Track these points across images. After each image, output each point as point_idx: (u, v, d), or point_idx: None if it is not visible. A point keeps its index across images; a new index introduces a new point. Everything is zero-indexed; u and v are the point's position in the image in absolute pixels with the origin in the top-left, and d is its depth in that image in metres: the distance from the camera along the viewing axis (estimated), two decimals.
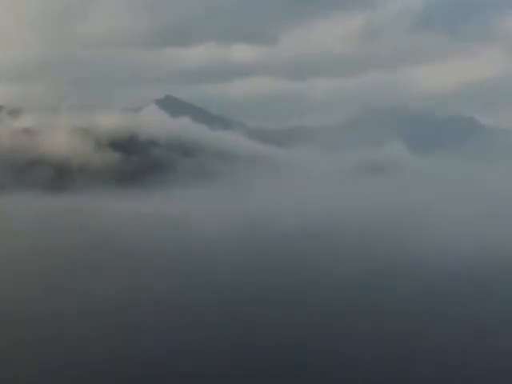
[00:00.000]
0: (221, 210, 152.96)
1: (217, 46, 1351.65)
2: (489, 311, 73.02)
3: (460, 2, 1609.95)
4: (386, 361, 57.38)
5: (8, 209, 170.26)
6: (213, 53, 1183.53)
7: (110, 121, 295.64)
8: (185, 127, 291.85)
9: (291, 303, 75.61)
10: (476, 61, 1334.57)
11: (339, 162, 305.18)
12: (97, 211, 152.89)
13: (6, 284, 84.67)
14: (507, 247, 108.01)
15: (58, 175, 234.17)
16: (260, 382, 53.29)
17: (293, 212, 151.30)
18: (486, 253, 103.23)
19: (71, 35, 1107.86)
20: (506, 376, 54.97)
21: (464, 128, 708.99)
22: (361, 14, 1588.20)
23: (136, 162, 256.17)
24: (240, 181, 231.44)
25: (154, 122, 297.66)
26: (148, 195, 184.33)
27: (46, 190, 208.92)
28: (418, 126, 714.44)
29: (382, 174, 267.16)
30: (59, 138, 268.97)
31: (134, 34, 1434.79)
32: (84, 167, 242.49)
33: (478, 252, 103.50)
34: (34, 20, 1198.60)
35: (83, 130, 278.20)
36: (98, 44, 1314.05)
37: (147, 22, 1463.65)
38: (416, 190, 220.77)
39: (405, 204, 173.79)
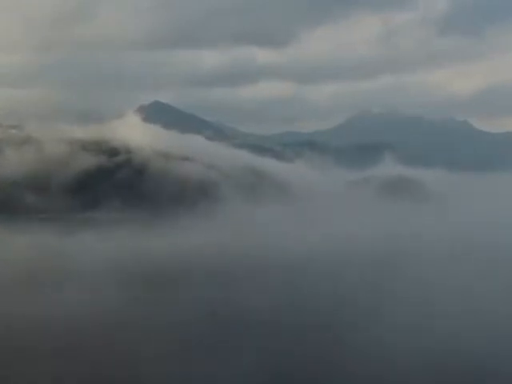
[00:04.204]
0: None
1: (229, 49, 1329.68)
2: None
3: (484, 5, 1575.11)
4: None
5: None
6: (224, 55, 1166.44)
7: (78, 130, 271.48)
8: (155, 134, 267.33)
9: None
10: (498, 64, 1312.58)
11: (330, 175, 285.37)
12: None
13: None
14: None
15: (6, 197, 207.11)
16: None
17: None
18: None
19: (73, 37, 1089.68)
20: None
21: (464, 133, 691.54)
22: (380, 15, 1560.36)
23: (100, 173, 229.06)
24: (212, 196, 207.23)
25: (126, 130, 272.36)
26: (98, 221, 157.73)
27: None
28: (417, 132, 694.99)
29: (377, 188, 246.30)
30: (18, 153, 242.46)
31: (140, 36, 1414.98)
32: (37, 186, 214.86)
33: None
34: (33, 22, 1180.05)
35: (43, 142, 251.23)
36: (98, 46, 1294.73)
37: (153, 23, 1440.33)
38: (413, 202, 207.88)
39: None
